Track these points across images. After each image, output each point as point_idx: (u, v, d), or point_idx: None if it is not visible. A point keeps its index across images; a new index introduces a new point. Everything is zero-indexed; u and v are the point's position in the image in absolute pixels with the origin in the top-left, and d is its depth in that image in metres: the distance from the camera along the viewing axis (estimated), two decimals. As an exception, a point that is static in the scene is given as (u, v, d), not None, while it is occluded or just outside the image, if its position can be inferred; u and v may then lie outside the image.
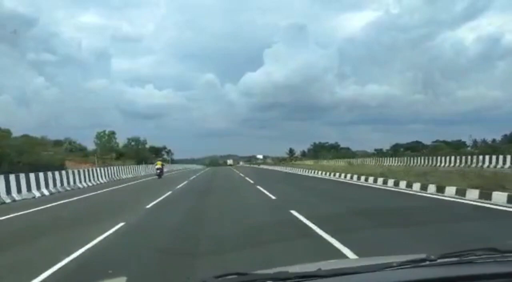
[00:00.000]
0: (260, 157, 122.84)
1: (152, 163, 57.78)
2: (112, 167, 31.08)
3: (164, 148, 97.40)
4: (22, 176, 16.08)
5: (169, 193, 15.67)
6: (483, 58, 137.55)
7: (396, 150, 71.31)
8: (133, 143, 77.19)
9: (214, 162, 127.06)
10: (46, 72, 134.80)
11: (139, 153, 70.41)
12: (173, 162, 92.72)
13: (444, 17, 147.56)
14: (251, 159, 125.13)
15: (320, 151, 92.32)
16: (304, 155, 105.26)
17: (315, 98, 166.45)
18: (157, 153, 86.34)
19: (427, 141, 78.88)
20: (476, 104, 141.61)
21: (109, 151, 62.48)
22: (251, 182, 21.03)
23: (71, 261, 5.29)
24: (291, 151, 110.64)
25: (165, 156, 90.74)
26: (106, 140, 64.93)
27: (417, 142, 78.58)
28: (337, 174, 23.08)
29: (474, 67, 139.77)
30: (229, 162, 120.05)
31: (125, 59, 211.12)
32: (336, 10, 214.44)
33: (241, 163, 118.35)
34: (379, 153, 71.49)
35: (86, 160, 53.44)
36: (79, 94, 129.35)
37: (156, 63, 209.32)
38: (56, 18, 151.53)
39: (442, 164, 32.44)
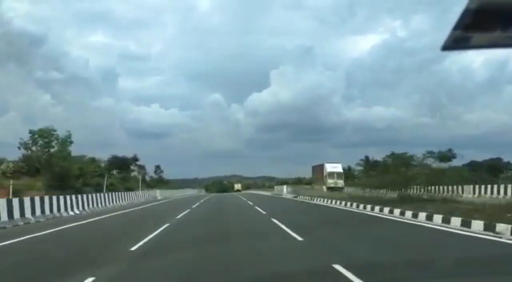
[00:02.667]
0: (337, 168, 55.05)
1: (99, 187, 35.32)
2: None
3: (135, 159, 60.32)
4: None
5: None
6: (491, 82, 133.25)
7: (474, 170, 61.16)
8: (40, 142, 37.19)
9: (217, 184, 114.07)
10: (53, 90, 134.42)
11: (52, 164, 35.76)
12: (162, 182, 69.37)
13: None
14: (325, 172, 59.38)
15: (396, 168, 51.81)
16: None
17: (322, 120, 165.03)
18: (122, 167, 54.53)
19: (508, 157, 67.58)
20: (483, 128, 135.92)
21: None
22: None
23: None
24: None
25: (138, 173, 56.60)
26: None
27: (498, 158, 61.62)
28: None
29: (482, 91, 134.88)
30: (237, 186, 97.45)
31: (132, 78, 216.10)
32: (343, 33, 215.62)
33: (284, 191, 49.28)
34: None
35: None
36: (85, 113, 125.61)
37: (163, 82, 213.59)
38: (64, 37, 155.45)
39: None
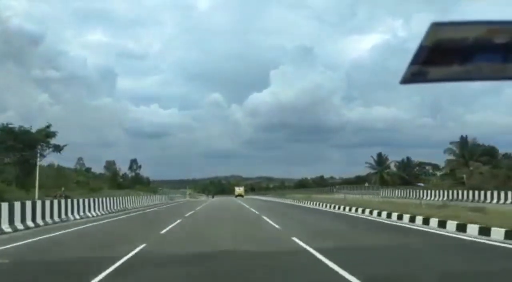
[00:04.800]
0: None
1: None
2: None
3: (47, 135, 33.59)
4: None
5: None
6: (491, 83, 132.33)
7: None
8: None
9: (215, 185, 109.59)
10: (51, 89, 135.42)
11: None
12: (139, 182, 54.30)
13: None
14: None
15: None
16: (403, 167, 57.49)
17: (322, 120, 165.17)
18: (26, 149, 31.07)
19: None
20: (484, 129, 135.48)
21: None
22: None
23: None
24: (380, 160, 62.75)
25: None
26: None
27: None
28: None
29: (482, 92, 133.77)
30: (238, 190, 79.20)
31: (130, 77, 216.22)
32: (344, 33, 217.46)
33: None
34: None
35: None
36: (83, 112, 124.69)
37: (162, 82, 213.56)
38: (63, 36, 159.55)
39: None
